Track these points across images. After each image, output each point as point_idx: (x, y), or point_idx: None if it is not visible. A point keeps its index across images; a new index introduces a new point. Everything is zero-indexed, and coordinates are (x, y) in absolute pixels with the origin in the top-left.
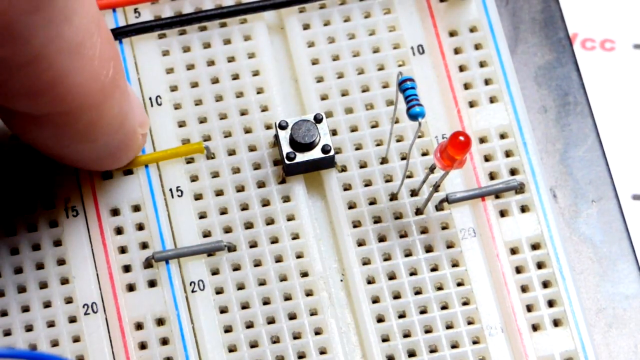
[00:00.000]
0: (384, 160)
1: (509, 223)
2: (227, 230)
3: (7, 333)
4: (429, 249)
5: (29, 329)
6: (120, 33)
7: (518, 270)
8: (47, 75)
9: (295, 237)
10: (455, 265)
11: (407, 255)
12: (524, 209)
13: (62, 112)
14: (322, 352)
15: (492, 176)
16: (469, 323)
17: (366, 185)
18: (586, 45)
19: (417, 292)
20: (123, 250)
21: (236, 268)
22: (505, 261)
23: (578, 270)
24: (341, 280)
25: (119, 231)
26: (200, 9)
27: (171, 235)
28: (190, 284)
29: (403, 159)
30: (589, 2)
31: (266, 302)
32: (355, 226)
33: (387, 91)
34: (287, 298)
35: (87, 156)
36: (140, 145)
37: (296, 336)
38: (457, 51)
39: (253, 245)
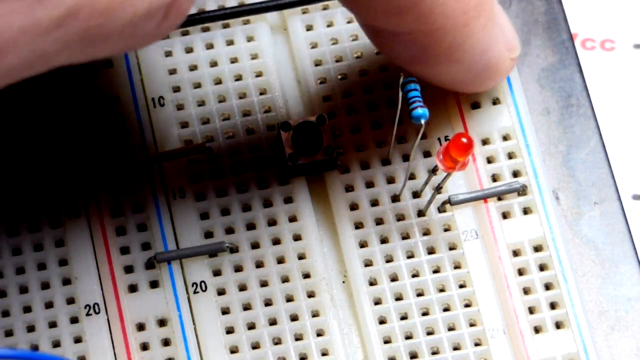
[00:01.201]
0: (386, 162)
1: (511, 225)
2: (229, 231)
3: (9, 333)
4: (431, 251)
5: (30, 329)
6: None
7: (520, 272)
8: None
9: (298, 238)
10: (457, 267)
11: (409, 257)
12: (526, 211)
13: (425, 31)
14: (324, 354)
15: (494, 178)
16: (471, 325)
17: (368, 187)
18: (586, 45)
19: (419, 294)
20: (125, 251)
21: (238, 269)
22: (507, 263)
23: (580, 273)
24: (343, 282)
25: (121, 232)
26: (203, 9)
27: (173, 236)
28: (192, 285)
29: (405, 160)
30: (588, 3)
31: (268, 304)
32: (357, 227)
33: (389, 93)
34: (289, 299)
35: (453, 77)
36: (508, 70)
37: (298, 337)
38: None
39: (255, 246)
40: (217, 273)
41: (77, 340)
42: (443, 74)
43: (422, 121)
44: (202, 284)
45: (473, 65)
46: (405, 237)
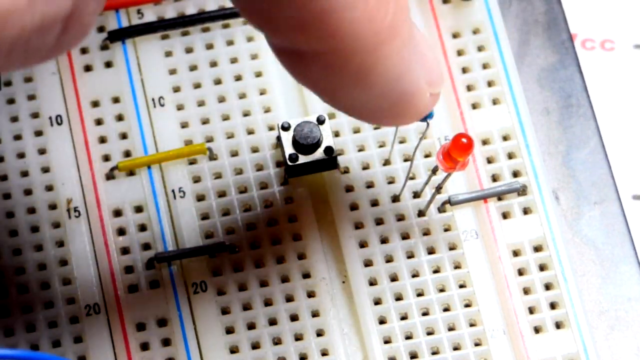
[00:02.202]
0: (386, 162)
1: (511, 225)
2: (230, 231)
3: (9, 333)
4: (431, 251)
5: (30, 329)
6: (123, 34)
7: (520, 272)
8: (315, 7)
9: (298, 238)
10: (457, 267)
11: (409, 257)
12: (526, 211)
13: (331, 50)
14: (324, 354)
15: (494, 178)
16: (471, 325)
17: (368, 187)
18: (586, 45)
19: (419, 294)
20: (125, 251)
21: (238, 269)
22: (507, 263)
23: (580, 273)
24: (343, 282)
25: (121, 232)
26: (203, 10)
27: (173, 236)
28: (192, 285)
29: (406, 160)
30: (588, 3)
31: (268, 304)
32: (357, 227)
33: None
34: (289, 299)
35: (365, 106)
36: (427, 106)
37: (298, 337)
38: (460, 53)
39: (255, 246)
40: (217, 273)
41: (77, 340)
42: (355, 101)
43: (428, 120)
44: (202, 283)
45: (386, 94)
46: (405, 237)
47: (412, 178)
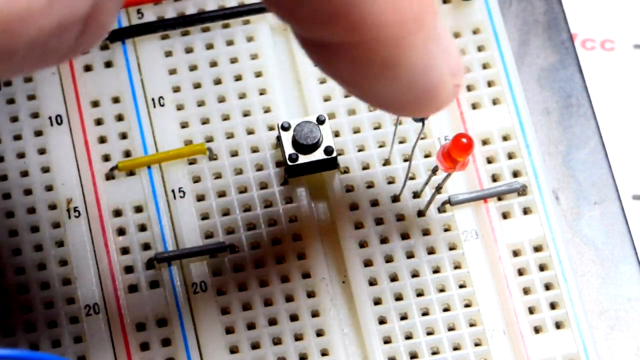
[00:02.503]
0: (386, 162)
1: (511, 225)
2: (230, 231)
3: (9, 333)
4: (431, 251)
5: (30, 329)
6: (123, 34)
7: (520, 272)
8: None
9: (298, 238)
10: (457, 267)
11: (409, 257)
12: (526, 211)
13: (358, 42)
14: (324, 354)
15: (494, 178)
16: (471, 325)
17: (368, 187)
18: (586, 45)
19: (419, 294)
20: (125, 251)
21: (238, 269)
22: (507, 263)
23: (580, 273)
24: (343, 282)
25: (121, 232)
26: (203, 10)
27: (173, 236)
28: (192, 285)
29: (405, 160)
30: (588, 3)
31: (268, 304)
32: (357, 227)
33: None
34: (289, 299)
35: (391, 98)
36: (451, 97)
37: (298, 337)
38: (460, 53)
39: (255, 246)
40: (217, 273)
41: (77, 340)
42: (381, 93)
43: (424, 120)
44: (202, 283)
45: (412, 85)
46: (405, 237)
47: (412, 178)
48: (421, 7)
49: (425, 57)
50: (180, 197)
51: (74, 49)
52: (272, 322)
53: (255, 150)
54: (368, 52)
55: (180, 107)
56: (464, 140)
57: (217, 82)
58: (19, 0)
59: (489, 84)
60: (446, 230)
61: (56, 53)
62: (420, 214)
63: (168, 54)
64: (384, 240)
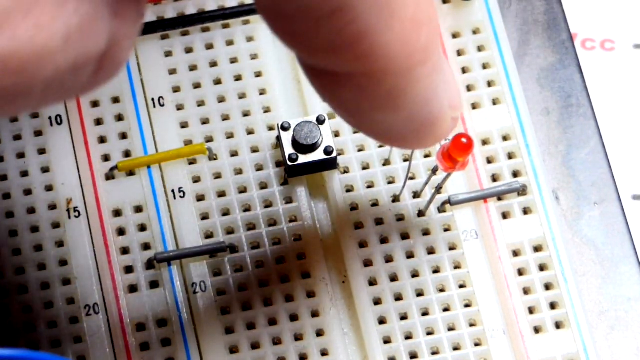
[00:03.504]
0: (386, 162)
1: (511, 225)
2: (229, 231)
3: (9, 333)
4: (431, 251)
5: (30, 329)
6: None
7: (520, 272)
8: (350, 29)
9: (298, 238)
10: (457, 267)
11: (409, 257)
12: (526, 211)
13: (365, 72)
14: (324, 354)
15: (494, 178)
16: (471, 325)
17: (369, 187)
18: (586, 45)
19: (419, 294)
20: (125, 251)
21: (238, 269)
22: (507, 263)
23: (580, 273)
24: (343, 282)
25: (121, 232)
26: (203, 10)
27: (173, 236)
28: (192, 285)
29: (405, 160)
30: (588, 3)
31: (268, 304)
32: (357, 228)
33: None
34: (289, 299)
35: (391, 129)
36: (448, 130)
37: (298, 337)
38: (460, 53)
39: (255, 246)
40: (217, 273)
41: (77, 340)
42: (382, 124)
43: None
44: (202, 283)
45: (413, 116)
46: (405, 237)
47: (412, 178)
48: (429, 39)
49: (429, 89)
50: (180, 197)
51: (89, 86)
52: (272, 322)
53: (255, 150)
54: (374, 83)
55: (180, 107)
56: (464, 140)
57: (217, 82)
58: (37, 41)
59: (489, 84)
60: (446, 230)
61: (72, 90)
62: (420, 214)
63: (168, 54)
64: (384, 240)
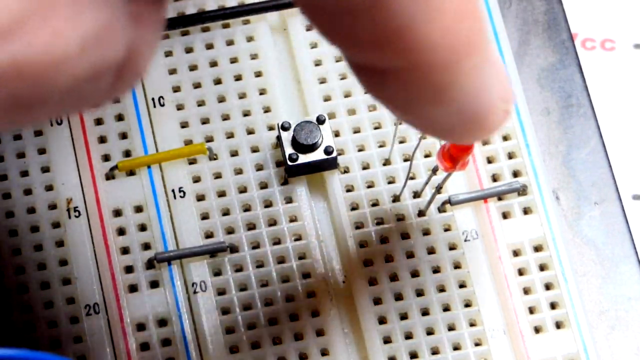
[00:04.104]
0: (386, 162)
1: (511, 225)
2: (230, 231)
3: (10, 333)
4: (431, 251)
5: (30, 329)
6: None
7: (520, 272)
8: (391, 23)
9: (298, 238)
10: (457, 267)
11: (409, 257)
12: (526, 211)
13: (409, 67)
14: (324, 354)
15: (494, 178)
16: (471, 325)
17: (369, 187)
18: (586, 45)
19: (419, 294)
20: (125, 251)
21: (238, 269)
22: (507, 263)
23: (580, 273)
24: (343, 282)
25: (121, 232)
26: (203, 9)
27: (173, 236)
28: (193, 285)
29: (406, 160)
30: (588, 3)
31: (268, 304)
32: (357, 228)
33: None
34: (289, 299)
35: (440, 124)
36: (500, 123)
37: (298, 337)
38: None
39: (255, 246)
40: (217, 273)
41: (77, 340)
42: (429, 118)
43: None
44: (202, 283)
45: (462, 110)
46: (405, 237)
47: (412, 178)
48: (473, 31)
49: (478, 82)
50: (180, 197)
51: (108, 95)
52: (272, 322)
53: (255, 150)
54: (419, 77)
55: (180, 107)
56: None
57: (217, 82)
58: (54, 48)
59: None
60: (446, 230)
61: (90, 99)
62: (421, 213)
63: (168, 53)
64: (384, 240)
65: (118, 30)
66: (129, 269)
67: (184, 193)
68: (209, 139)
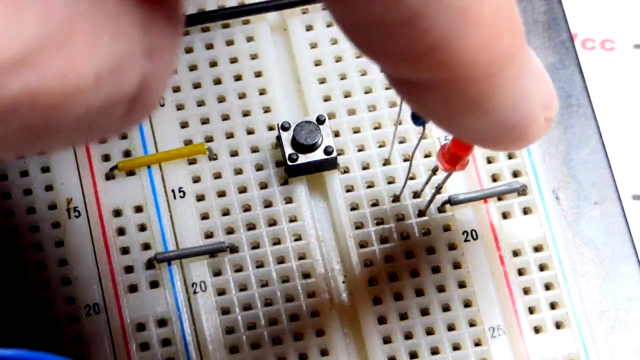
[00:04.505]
0: (386, 162)
1: (511, 225)
2: (229, 231)
3: (10, 333)
4: (431, 251)
5: (30, 329)
6: None
7: (520, 272)
8: (427, 38)
9: (298, 238)
10: (457, 267)
11: (409, 257)
12: (526, 211)
13: (447, 79)
14: (324, 354)
15: (494, 178)
16: (471, 325)
17: (369, 187)
18: (586, 45)
19: (419, 294)
20: (125, 251)
21: (238, 269)
22: (507, 263)
23: (580, 273)
24: (343, 282)
25: (121, 232)
26: (202, 9)
27: (173, 236)
28: (192, 285)
29: (406, 160)
30: (588, 3)
31: (268, 304)
32: (357, 228)
33: (390, 93)
34: (289, 299)
35: (479, 134)
36: (541, 131)
37: (298, 337)
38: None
39: (255, 246)
40: (217, 273)
41: (77, 340)
42: (470, 129)
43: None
44: (202, 284)
45: (501, 121)
46: (405, 237)
47: (412, 178)
48: (511, 43)
49: (516, 93)
50: (180, 197)
51: (119, 127)
52: (272, 322)
53: (255, 150)
54: (457, 90)
55: (180, 107)
56: None
57: (217, 82)
58: (68, 79)
59: None
60: (446, 230)
61: (102, 130)
62: (420, 213)
63: None
64: (384, 240)
65: (133, 63)
66: (129, 269)
67: (184, 193)
68: (209, 139)
